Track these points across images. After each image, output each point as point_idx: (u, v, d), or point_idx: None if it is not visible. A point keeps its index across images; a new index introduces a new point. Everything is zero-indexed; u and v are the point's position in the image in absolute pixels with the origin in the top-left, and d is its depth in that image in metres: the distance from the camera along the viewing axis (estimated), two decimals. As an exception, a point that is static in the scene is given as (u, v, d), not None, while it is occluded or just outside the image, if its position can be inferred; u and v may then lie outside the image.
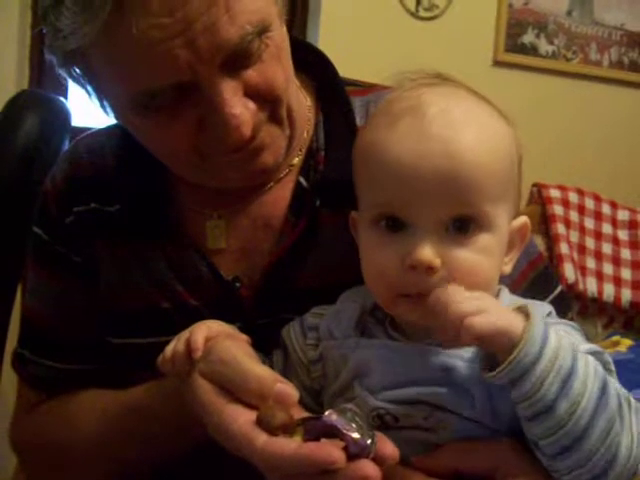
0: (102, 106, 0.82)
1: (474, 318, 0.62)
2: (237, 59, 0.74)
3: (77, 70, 0.77)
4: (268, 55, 0.77)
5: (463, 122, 0.69)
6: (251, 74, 0.76)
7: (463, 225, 0.68)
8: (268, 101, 0.79)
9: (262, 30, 0.74)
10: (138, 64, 0.72)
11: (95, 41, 0.70)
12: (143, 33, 0.69)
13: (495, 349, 0.64)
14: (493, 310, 0.63)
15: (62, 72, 0.78)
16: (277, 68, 0.78)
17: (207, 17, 0.70)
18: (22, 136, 1.29)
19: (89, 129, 1.01)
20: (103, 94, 0.80)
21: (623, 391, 0.67)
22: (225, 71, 0.74)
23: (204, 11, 0.69)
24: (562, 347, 0.62)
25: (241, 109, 0.75)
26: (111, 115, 0.83)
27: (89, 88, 0.80)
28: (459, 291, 0.65)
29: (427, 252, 0.67)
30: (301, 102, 0.91)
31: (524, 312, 0.64)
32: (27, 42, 2.35)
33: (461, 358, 0.68)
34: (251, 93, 0.77)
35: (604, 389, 0.63)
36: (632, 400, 0.67)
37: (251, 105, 0.77)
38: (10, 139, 1.29)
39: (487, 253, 0.69)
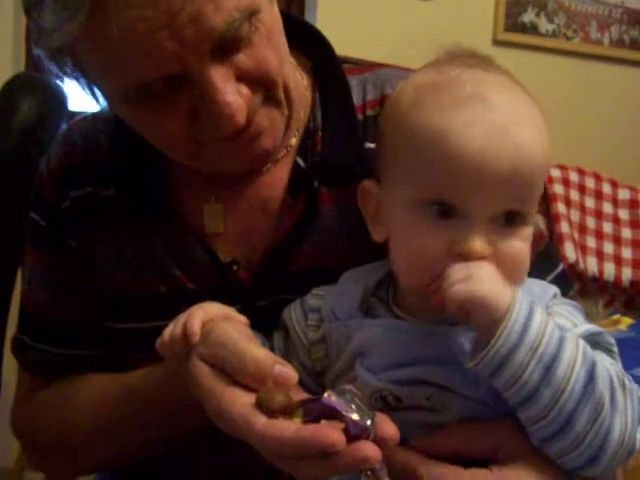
0: (95, 98, 0.81)
1: (457, 284, 0.63)
2: (226, 45, 0.72)
3: (66, 65, 0.76)
4: (258, 38, 0.75)
5: (526, 118, 0.70)
6: (242, 58, 0.75)
7: (512, 219, 0.69)
8: (262, 84, 0.77)
9: (250, 14, 0.73)
10: (125, 58, 0.70)
11: (80, 38, 0.69)
12: (127, 27, 0.67)
13: (477, 323, 0.64)
14: (482, 278, 0.63)
15: (52, 67, 0.77)
16: (269, 50, 0.76)
17: (192, 7, 0.68)
18: (19, 119, 1.28)
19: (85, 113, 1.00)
20: (95, 87, 0.79)
21: (619, 373, 0.66)
22: (214, 58, 0.72)
23: (188, 1, 0.68)
24: (547, 332, 0.62)
25: (234, 96, 0.74)
26: (105, 106, 0.82)
27: (81, 81, 0.79)
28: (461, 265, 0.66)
29: (480, 242, 0.67)
30: (298, 81, 0.90)
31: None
32: (23, 25, 2.33)
33: (465, 337, 0.68)
34: (244, 77, 0.75)
35: (592, 375, 0.62)
36: (627, 382, 0.66)
37: (244, 90, 0.75)
38: (7, 122, 1.28)
39: (528, 243, 0.71)
